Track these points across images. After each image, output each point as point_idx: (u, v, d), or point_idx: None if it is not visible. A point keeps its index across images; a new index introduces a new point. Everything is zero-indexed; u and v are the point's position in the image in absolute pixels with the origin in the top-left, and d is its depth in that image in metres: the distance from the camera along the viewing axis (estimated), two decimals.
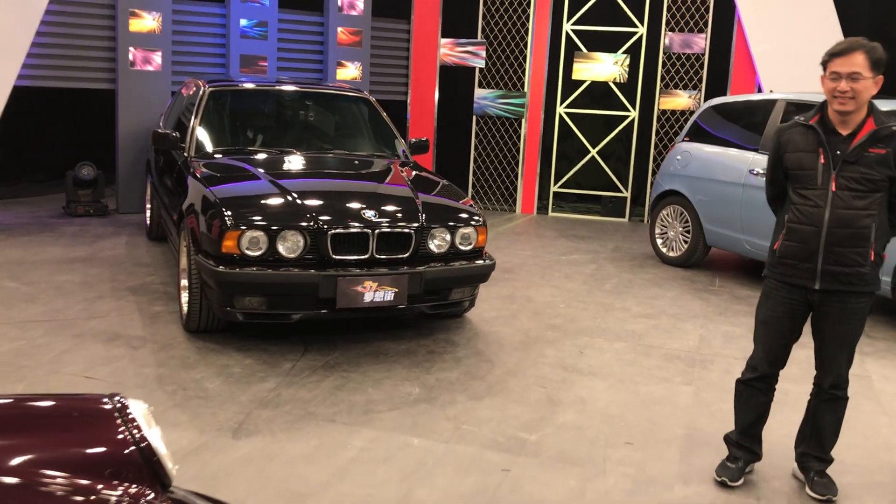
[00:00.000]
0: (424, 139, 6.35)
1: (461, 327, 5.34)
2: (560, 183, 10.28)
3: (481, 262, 4.96)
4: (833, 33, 8.64)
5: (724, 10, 9.42)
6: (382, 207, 4.74)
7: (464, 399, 4.16)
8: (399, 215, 4.72)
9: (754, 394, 3.43)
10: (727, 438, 3.55)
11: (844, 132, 3.09)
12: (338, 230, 4.50)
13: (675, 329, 5.57)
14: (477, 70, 10.12)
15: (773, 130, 6.58)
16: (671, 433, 3.88)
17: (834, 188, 3.06)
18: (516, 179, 10.25)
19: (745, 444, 3.49)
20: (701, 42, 9.61)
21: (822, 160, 3.07)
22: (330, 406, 3.98)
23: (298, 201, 4.66)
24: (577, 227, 9.43)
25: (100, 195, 8.51)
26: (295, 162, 5.61)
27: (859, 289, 3.14)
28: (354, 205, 4.74)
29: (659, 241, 7.74)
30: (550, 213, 10.23)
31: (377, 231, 4.57)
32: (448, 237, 4.81)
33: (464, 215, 4.96)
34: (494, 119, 10.23)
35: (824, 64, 3.08)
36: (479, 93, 10.14)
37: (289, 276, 4.42)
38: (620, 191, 10.16)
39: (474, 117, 10.23)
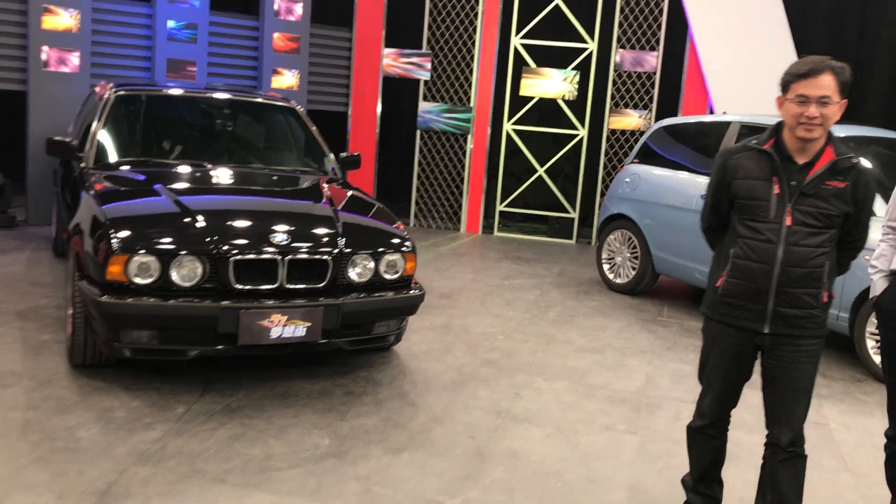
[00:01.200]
0: (356, 154, 5.84)
1: (386, 363, 4.83)
2: (506, 202, 9.86)
3: (409, 292, 4.47)
4: (787, 55, 8.39)
5: (677, 28, 9.13)
6: (296, 230, 4.22)
7: (379, 453, 3.64)
8: (315, 240, 4.20)
9: (707, 440, 3.08)
10: (684, 483, 3.19)
11: (801, 161, 2.74)
12: (242, 256, 3.97)
13: (620, 366, 5.13)
14: (422, 82, 9.66)
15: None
16: (612, 497, 3.42)
17: (789, 222, 2.71)
18: (461, 197, 9.81)
19: (701, 489, 3.13)
20: (652, 60, 9.30)
21: (777, 190, 2.73)
22: (222, 462, 3.43)
23: (200, 223, 4.11)
24: (523, 249, 9.01)
25: (6, 205, 7.82)
26: (206, 177, 5.04)
27: (812, 332, 2.80)
28: (264, 227, 4.20)
29: (606, 267, 7.34)
30: (496, 233, 9.80)
31: (288, 257, 4.05)
32: (371, 265, 4.31)
33: (390, 240, 4.46)
34: (439, 134, 9.78)
35: (786, 84, 2.71)
36: (423, 106, 9.67)
37: (183, 307, 3.86)
38: (568, 211, 9.77)
39: (418, 131, 9.76)
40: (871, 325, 5.17)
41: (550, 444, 3.89)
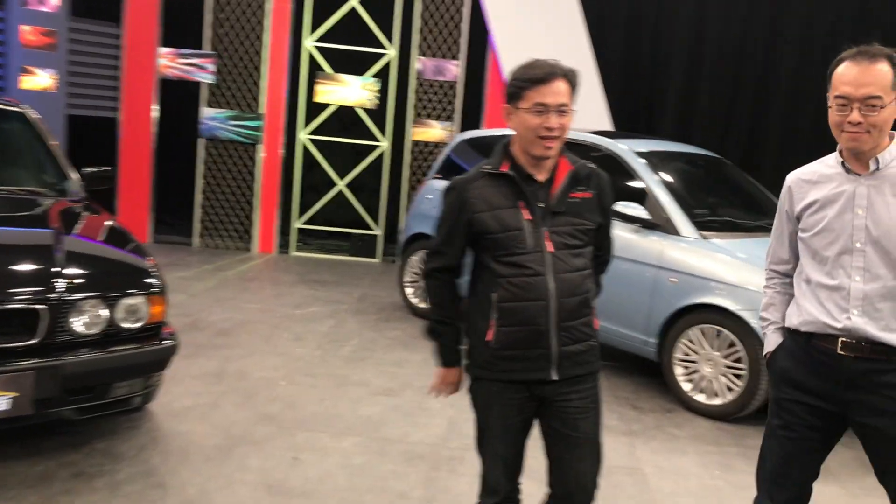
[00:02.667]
0: (107, 169, 4.87)
1: (134, 428, 3.93)
2: (304, 218, 9.08)
3: (157, 343, 3.62)
4: (587, 65, 8.25)
5: (478, 36, 8.76)
6: None
7: None
8: (23, 282, 3.27)
9: None
10: None
11: (541, 177, 2.43)
12: None
13: (419, 410, 4.53)
14: (204, 86, 8.68)
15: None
16: None
17: (551, 248, 2.38)
18: (253, 213, 8.91)
19: None
20: (454, 69, 8.88)
21: (527, 216, 2.39)
22: None
23: None
24: (322, 270, 8.27)
25: None
26: None
27: (594, 367, 2.51)
28: None
29: (409, 291, 6.77)
30: (293, 253, 9.00)
31: None
32: (104, 312, 3.43)
33: (131, 280, 3.60)
34: (226, 143, 8.83)
35: (519, 92, 2.34)
36: (207, 112, 8.70)
37: None
38: (371, 228, 9.15)
39: (202, 140, 8.76)
40: (680, 351, 4.91)
41: None
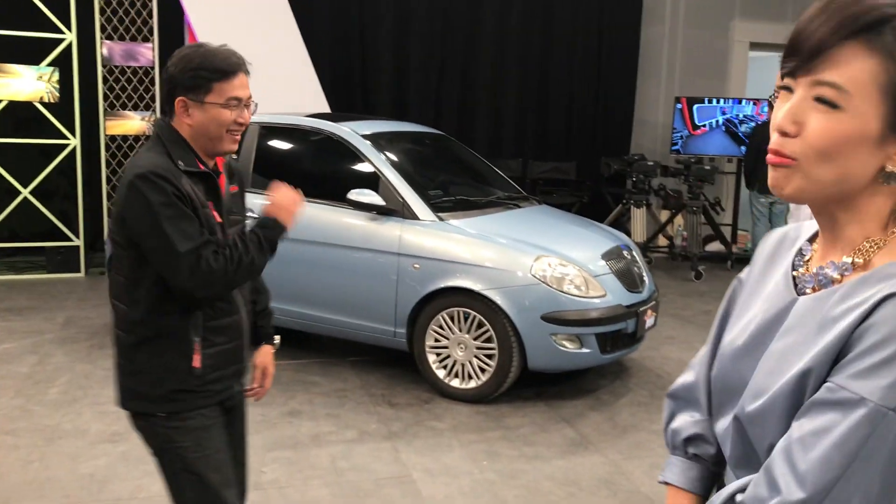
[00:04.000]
0: None
1: None
2: None
3: None
4: (296, 46, 7.79)
5: (172, 15, 7.92)
6: None
7: None
8: None
9: None
10: None
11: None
12: None
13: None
14: None
15: (246, 164, 5.32)
16: None
17: None
18: None
19: None
20: (148, 53, 7.98)
21: (218, 217, 2.17)
22: None
23: None
24: (14, 295, 7.07)
25: None
26: None
27: None
28: None
29: None
30: None
31: None
32: None
33: None
34: None
35: (206, 84, 2.07)
36: None
37: None
38: (71, 238, 8.01)
39: None
40: (431, 339, 4.74)
41: None
